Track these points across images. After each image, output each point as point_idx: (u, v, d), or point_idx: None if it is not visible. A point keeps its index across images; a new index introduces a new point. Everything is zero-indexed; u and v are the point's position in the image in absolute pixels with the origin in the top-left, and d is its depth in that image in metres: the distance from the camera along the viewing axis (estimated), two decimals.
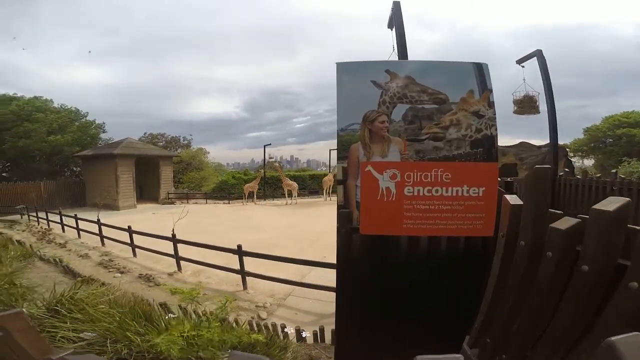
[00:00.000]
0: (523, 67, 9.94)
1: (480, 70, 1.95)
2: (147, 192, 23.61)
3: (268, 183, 25.42)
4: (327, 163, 29.66)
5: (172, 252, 7.68)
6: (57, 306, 2.43)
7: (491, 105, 1.94)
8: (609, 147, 24.12)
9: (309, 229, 12.79)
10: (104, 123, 29.43)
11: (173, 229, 7.60)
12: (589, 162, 26.81)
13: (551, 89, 8.63)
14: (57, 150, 24.46)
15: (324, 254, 8.92)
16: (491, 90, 1.94)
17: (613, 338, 0.57)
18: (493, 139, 1.93)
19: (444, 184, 1.86)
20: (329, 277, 6.37)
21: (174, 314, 2.85)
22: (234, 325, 3.42)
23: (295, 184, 22.30)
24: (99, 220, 10.36)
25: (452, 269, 1.96)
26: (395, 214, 1.88)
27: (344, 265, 2.03)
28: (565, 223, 1.50)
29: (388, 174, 1.88)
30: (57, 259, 7.27)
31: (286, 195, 22.29)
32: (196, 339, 2.08)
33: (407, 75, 1.96)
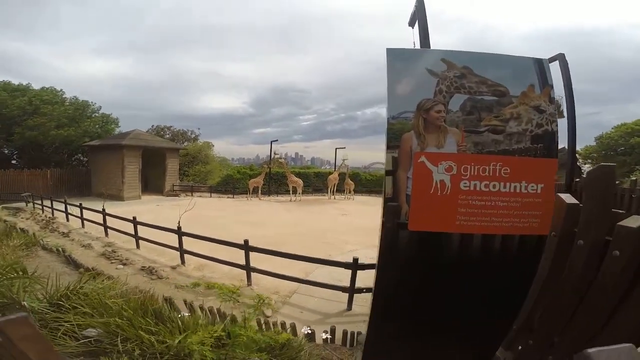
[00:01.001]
0: None
1: (540, 66, 1.90)
2: (152, 183, 23.60)
3: (273, 179, 25.32)
4: (332, 162, 29.57)
5: (176, 245, 7.58)
6: (61, 300, 2.29)
7: (552, 101, 1.89)
8: (620, 155, 23.70)
9: (313, 226, 12.69)
10: (117, 118, 29.56)
11: (179, 222, 7.48)
12: None
13: (572, 94, 8.41)
14: (66, 141, 24.52)
15: (329, 252, 8.81)
16: (552, 87, 1.89)
17: (590, 350, 0.55)
18: (554, 135, 1.87)
19: (503, 179, 1.76)
20: (335, 276, 6.25)
21: (187, 312, 2.70)
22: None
23: (300, 181, 22.21)
24: (104, 210, 10.27)
25: (504, 269, 1.85)
26: (448, 209, 1.76)
27: (386, 263, 1.91)
28: (635, 221, 1.42)
29: (443, 166, 1.76)
30: (60, 249, 7.18)
31: (291, 192, 22.21)
32: (233, 339, 1.93)
33: (465, 65, 1.87)
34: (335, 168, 27.02)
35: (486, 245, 1.81)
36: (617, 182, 12.69)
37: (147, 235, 8.60)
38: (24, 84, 25.61)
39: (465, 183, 1.77)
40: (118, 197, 19.39)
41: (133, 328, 1.94)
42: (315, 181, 27.43)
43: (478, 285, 1.86)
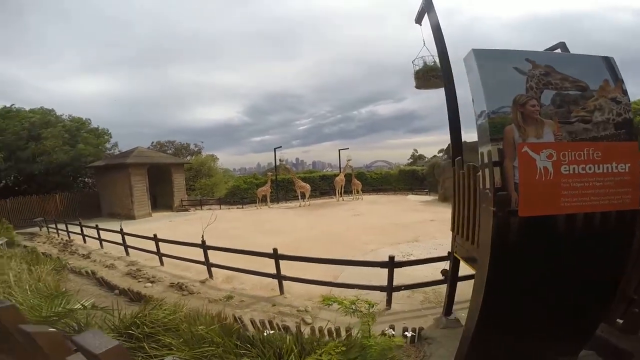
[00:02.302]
0: None
1: (609, 63, 2.13)
2: (160, 200, 23.61)
3: (279, 186, 25.33)
4: (333, 164, 29.62)
5: (200, 259, 7.57)
6: (131, 328, 2.28)
7: (625, 92, 2.11)
8: None
9: (328, 230, 12.68)
10: (107, 129, 29.47)
11: (202, 235, 7.50)
12: None
13: None
14: (74, 161, 24.63)
15: (351, 254, 8.79)
16: (622, 81, 2.11)
17: None
18: (631, 121, 2.07)
19: (596, 161, 1.95)
20: (364, 276, 6.23)
21: (270, 330, 2.68)
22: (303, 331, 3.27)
23: (308, 186, 22.21)
24: (121, 229, 10.28)
25: (606, 246, 1.99)
26: (553, 192, 1.92)
27: (500, 253, 2.01)
28: None
29: (545, 153, 1.93)
30: (90, 271, 7.18)
31: (299, 197, 22.20)
32: (362, 350, 1.93)
33: (547, 64, 2.08)
34: (340, 170, 27.04)
35: (588, 224, 1.96)
36: None
37: (168, 251, 8.61)
38: (15, 107, 25.80)
39: (565, 167, 1.94)
40: (129, 216, 19.40)
41: (229, 355, 1.91)
42: (322, 184, 27.46)
43: (584, 264, 1.99)
